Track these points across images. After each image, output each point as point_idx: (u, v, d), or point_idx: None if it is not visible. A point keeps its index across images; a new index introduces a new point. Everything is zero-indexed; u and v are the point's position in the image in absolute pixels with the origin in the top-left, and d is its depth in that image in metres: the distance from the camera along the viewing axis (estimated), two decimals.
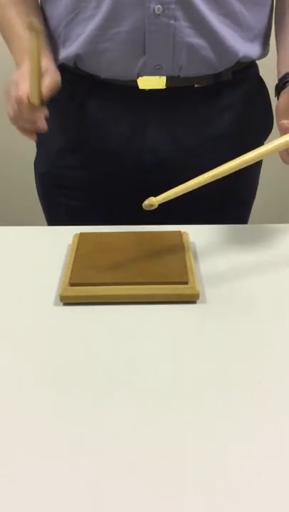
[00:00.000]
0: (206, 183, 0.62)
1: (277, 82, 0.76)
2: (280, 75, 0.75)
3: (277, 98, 0.73)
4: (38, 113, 0.70)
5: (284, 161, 0.68)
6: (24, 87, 0.69)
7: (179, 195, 0.62)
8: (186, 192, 0.62)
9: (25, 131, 0.74)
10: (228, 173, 0.63)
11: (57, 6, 0.76)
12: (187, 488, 0.39)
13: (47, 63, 0.73)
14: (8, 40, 0.80)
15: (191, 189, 0.62)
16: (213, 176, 0.62)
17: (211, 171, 0.62)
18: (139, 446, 0.42)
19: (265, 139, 0.92)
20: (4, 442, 0.43)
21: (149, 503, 0.38)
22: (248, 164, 0.63)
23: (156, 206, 0.61)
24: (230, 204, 0.92)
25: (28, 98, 0.69)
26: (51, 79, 0.71)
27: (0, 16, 0.80)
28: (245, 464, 0.40)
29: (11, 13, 0.78)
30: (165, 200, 0.61)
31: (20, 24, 0.78)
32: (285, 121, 0.66)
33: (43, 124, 0.70)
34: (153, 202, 0.61)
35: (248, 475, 0.40)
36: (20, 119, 0.72)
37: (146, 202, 0.61)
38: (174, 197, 0.62)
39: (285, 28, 0.79)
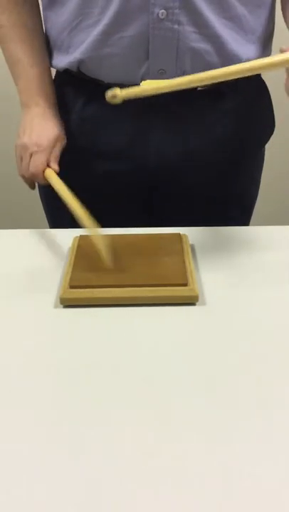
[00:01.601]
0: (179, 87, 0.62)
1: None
2: None
3: None
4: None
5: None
6: (40, 161, 0.79)
7: (148, 93, 0.62)
8: (156, 91, 0.61)
9: (31, 184, 0.86)
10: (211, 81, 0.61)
11: (62, 13, 0.77)
12: (187, 488, 0.39)
13: (59, 126, 0.82)
14: (14, 75, 0.83)
15: (161, 90, 0.61)
16: (190, 81, 0.61)
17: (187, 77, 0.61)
18: (139, 447, 0.42)
19: (266, 142, 0.93)
20: (4, 443, 0.43)
21: (150, 504, 0.38)
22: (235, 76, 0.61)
23: (119, 100, 0.61)
24: (231, 208, 0.92)
25: (43, 173, 0.79)
26: (62, 144, 0.82)
27: (5, 48, 0.82)
28: (246, 464, 0.41)
29: (18, 48, 0.80)
30: (129, 96, 0.61)
31: (27, 63, 0.80)
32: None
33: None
34: (117, 93, 0.60)
35: (248, 475, 0.40)
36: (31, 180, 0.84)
37: (110, 93, 0.61)
38: (140, 93, 0.62)
39: None
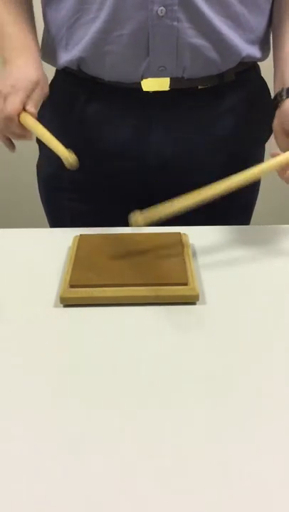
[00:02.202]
0: (194, 204, 0.64)
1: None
2: (276, 91, 0.75)
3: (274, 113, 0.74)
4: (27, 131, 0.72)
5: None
6: (14, 102, 0.70)
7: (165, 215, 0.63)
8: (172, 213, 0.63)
9: (6, 141, 0.76)
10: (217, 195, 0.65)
11: (60, 10, 0.76)
12: (187, 488, 0.39)
13: (40, 73, 0.74)
14: None
15: (178, 210, 0.63)
16: (202, 199, 0.65)
17: (199, 191, 0.65)
18: (140, 447, 0.42)
19: (267, 141, 0.92)
20: (5, 443, 0.43)
21: (150, 504, 0.38)
22: (241, 185, 0.65)
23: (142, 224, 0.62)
24: (232, 208, 0.92)
25: (19, 116, 0.70)
26: (43, 91, 0.74)
27: None
28: (246, 464, 0.41)
29: (3, 9, 0.77)
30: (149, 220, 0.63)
31: (11, 22, 0.77)
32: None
33: (30, 137, 0.73)
34: (138, 220, 0.62)
35: (248, 475, 0.40)
36: (6, 132, 0.74)
37: (133, 220, 0.62)
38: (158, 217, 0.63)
39: (284, 39, 0.78)
